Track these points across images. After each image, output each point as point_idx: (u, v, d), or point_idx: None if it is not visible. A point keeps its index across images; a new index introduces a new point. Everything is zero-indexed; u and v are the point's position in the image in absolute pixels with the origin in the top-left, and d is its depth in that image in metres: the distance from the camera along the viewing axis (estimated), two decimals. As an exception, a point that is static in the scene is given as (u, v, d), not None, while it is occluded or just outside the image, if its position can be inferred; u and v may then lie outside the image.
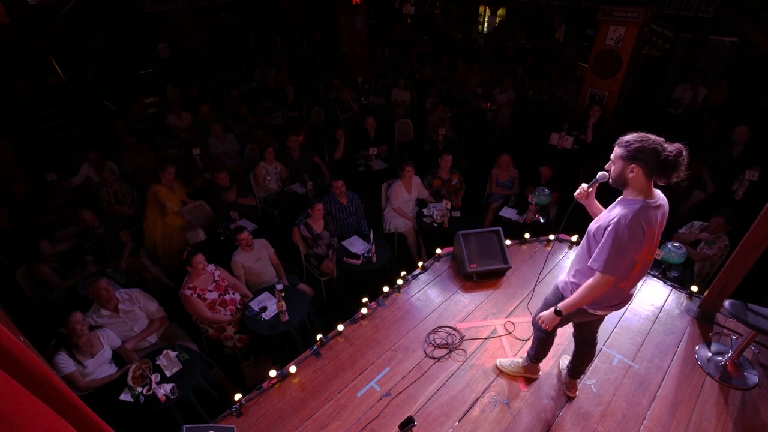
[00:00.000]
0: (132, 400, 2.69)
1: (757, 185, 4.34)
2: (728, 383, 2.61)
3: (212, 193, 4.89)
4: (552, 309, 2.14)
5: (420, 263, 3.73)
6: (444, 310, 3.26)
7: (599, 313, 2.11)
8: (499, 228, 3.61)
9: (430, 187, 4.98)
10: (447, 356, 2.89)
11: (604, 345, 2.91)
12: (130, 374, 2.77)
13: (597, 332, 2.38)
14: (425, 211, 4.65)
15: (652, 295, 3.30)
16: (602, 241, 1.84)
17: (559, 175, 4.91)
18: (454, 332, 3.05)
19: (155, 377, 2.77)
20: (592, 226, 1.99)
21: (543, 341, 2.49)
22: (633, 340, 2.93)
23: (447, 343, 2.97)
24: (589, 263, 1.92)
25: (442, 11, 13.17)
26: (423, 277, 3.61)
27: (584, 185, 2.13)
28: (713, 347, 2.81)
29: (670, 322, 3.06)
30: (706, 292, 3.03)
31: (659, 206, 1.85)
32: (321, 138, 6.64)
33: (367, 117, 6.17)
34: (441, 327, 3.10)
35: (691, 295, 3.24)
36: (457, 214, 4.68)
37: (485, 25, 12.36)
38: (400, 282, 3.48)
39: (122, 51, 9.62)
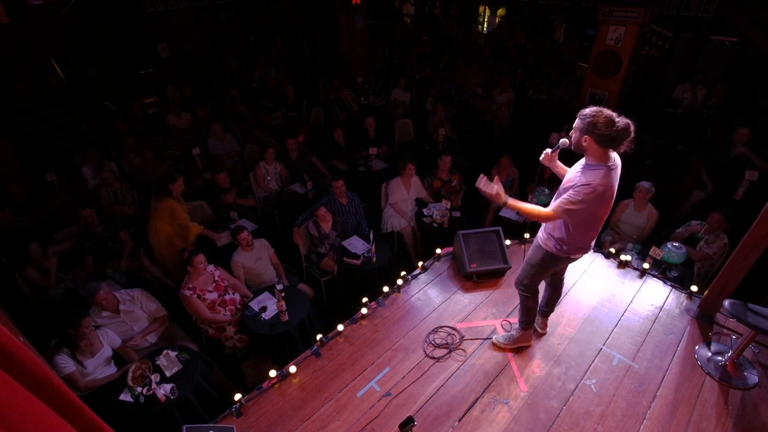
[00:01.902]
0: (132, 400, 2.69)
1: (757, 185, 4.34)
2: (728, 383, 2.61)
3: (212, 193, 4.89)
4: (502, 193, 2.33)
5: (420, 263, 3.73)
6: (444, 310, 3.26)
7: (574, 256, 2.40)
8: (499, 228, 3.61)
9: (430, 187, 4.98)
10: (447, 356, 2.89)
11: (604, 345, 2.91)
12: (130, 374, 2.77)
13: (563, 276, 2.80)
14: (425, 211, 4.65)
15: (652, 295, 3.30)
16: (571, 194, 2.12)
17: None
18: (454, 332, 3.05)
19: (155, 377, 2.77)
20: (563, 185, 2.28)
21: (527, 304, 2.73)
22: (633, 340, 2.93)
23: (447, 343, 2.97)
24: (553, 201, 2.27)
25: (442, 11, 13.17)
26: (423, 277, 3.61)
27: (548, 150, 2.44)
28: (713, 347, 2.81)
29: (670, 322, 3.06)
30: (706, 292, 3.03)
31: (615, 167, 2.14)
32: (321, 138, 6.64)
33: (367, 117, 6.17)
34: (441, 327, 3.10)
35: (691, 294, 3.24)
36: (457, 214, 4.68)
37: (485, 25, 12.35)
38: (400, 282, 3.48)
39: (122, 51, 9.62)
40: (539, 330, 2.97)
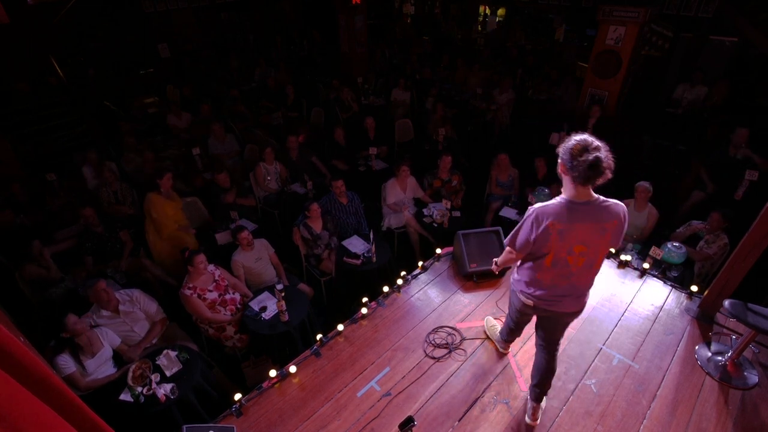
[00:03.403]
0: (132, 400, 2.69)
1: (757, 185, 4.34)
2: (728, 383, 2.61)
3: (212, 193, 4.89)
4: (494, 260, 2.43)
5: (420, 263, 3.73)
6: (444, 310, 3.26)
7: (526, 301, 2.19)
8: (499, 228, 3.61)
9: (430, 187, 4.98)
10: (447, 356, 2.89)
11: (604, 345, 2.91)
12: (130, 374, 2.78)
13: (557, 340, 2.31)
14: (425, 211, 4.65)
15: (652, 295, 3.30)
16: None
17: (556, 171, 4.91)
18: (454, 332, 3.05)
19: (155, 377, 2.77)
20: None
21: (510, 329, 2.64)
22: (633, 340, 2.93)
23: (447, 343, 2.97)
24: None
25: (442, 11, 13.17)
26: (423, 277, 3.61)
27: None
28: (713, 347, 2.81)
29: (670, 322, 3.06)
30: (706, 292, 3.03)
31: (585, 208, 1.85)
32: (321, 138, 6.64)
33: (367, 117, 6.18)
34: (441, 327, 3.10)
35: (691, 294, 3.24)
36: (457, 214, 4.68)
37: (485, 26, 12.35)
38: (400, 282, 3.48)
39: (122, 51, 9.62)
40: (528, 420, 2.47)
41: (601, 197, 1.88)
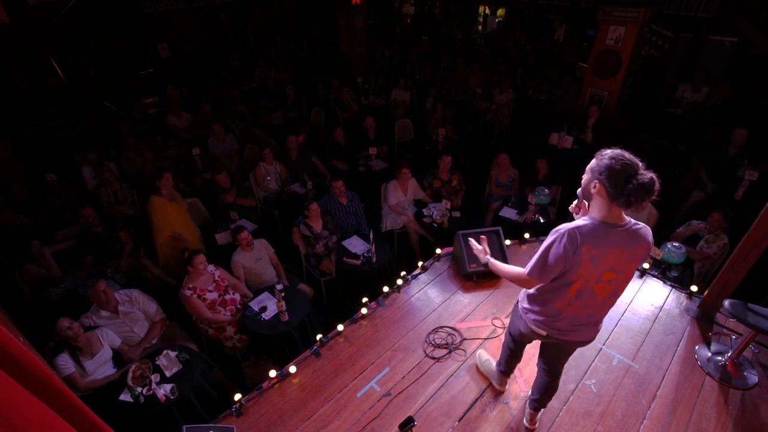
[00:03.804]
0: (132, 401, 2.69)
1: (757, 185, 4.34)
2: (728, 383, 2.61)
3: (212, 193, 4.90)
4: (487, 255, 2.24)
5: (420, 263, 3.74)
6: (444, 310, 3.26)
7: (539, 330, 1.98)
8: (499, 228, 3.60)
9: (430, 187, 4.98)
10: (447, 356, 2.89)
11: (603, 345, 2.91)
12: (130, 374, 2.77)
13: (562, 366, 2.23)
14: (425, 211, 4.65)
15: (652, 295, 3.30)
16: (541, 246, 1.78)
17: (556, 171, 4.92)
18: (454, 332, 3.05)
19: (155, 377, 2.77)
20: None
21: (511, 353, 2.38)
22: (633, 339, 2.93)
23: (447, 343, 2.97)
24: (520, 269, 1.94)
25: (442, 11, 13.17)
26: (423, 277, 3.61)
27: (574, 203, 2.01)
28: (713, 347, 2.81)
29: (670, 322, 3.06)
30: (705, 292, 3.03)
31: (620, 231, 1.67)
32: (321, 138, 6.64)
33: (367, 117, 6.17)
34: (441, 327, 3.10)
35: (690, 294, 3.24)
36: (457, 214, 4.68)
37: (485, 25, 12.35)
38: (400, 282, 3.48)
39: (122, 51, 9.62)
40: (526, 425, 2.44)
41: (632, 219, 1.72)
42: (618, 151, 1.62)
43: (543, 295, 1.91)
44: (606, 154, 1.63)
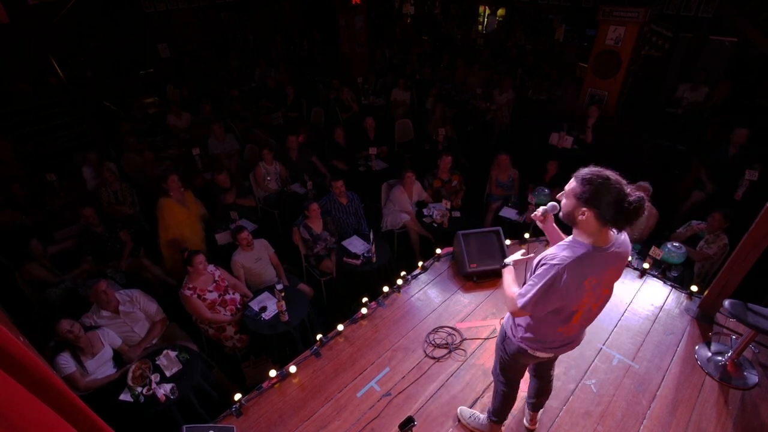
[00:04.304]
0: (132, 400, 2.69)
1: (757, 185, 4.34)
2: (728, 383, 2.61)
3: (212, 193, 4.89)
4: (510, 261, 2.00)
5: (420, 263, 3.73)
6: (444, 310, 3.26)
7: (540, 354, 1.92)
8: (499, 228, 3.61)
9: (430, 187, 4.98)
10: (447, 356, 2.89)
11: (603, 345, 2.91)
12: (130, 374, 2.77)
13: (552, 370, 2.26)
14: (425, 211, 4.65)
15: (652, 295, 3.30)
16: (535, 277, 1.68)
17: (560, 173, 4.92)
18: (454, 332, 3.05)
19: (155, 377, 2.77)
20: (538, 256, 1.79)
21: (505, 395, 2.22)
22: (633, 340, 2.93)
23: (447, 343, 2.97)
24: (517, 292, 1.79)
25: (442, 11, 13.17)
26: (423, 277, 3.61)
27: (539, 210, 1.92)
28: (713, 347, 2.81)
29: (670, 322, 3.06)
30: (705, 292, 3.03)
31: (612, 252, 1.62)
32: (321, 138, 6.64)
33: (367, 117, 6.17)
34: (441, 327, 3.10)
35: (691, 294, 3.24)
36: (457, 214, 4.68)
37: (485, 25, 12.35)
38: (400, 282, 3.48)
39: (122, 51, 9.62)
40: (527, 425, 2.44)
41: (614, 232, 1.64)
42: (602, 173, 1.53)
43: (544, 325, 1.83)
44: (588, 178, 1.53)
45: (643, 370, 2.73)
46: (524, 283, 1.78)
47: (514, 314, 1.84)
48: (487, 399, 2.61)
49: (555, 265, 1.61)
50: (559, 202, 1.74)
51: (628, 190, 1.50)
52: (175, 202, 4.22)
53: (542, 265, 1.66)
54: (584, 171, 1.57)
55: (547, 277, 1.62)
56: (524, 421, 2.48)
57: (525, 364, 2.10)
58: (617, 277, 1.74)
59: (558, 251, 1.65)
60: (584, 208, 1.56)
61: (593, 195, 1.52)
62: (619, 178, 1.52)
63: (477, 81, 8.06)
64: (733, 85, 6.37)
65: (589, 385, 2.66)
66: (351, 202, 4.56)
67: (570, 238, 1.71)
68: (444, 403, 2.60)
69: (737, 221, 3.55)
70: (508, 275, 1.94)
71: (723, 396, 2.56)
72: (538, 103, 7.64)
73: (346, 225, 4.51)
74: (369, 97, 7.98)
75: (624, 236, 1.69)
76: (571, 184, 1.62)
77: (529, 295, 1.68)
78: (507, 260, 2.02)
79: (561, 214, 1.70)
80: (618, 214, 1.49)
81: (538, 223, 1.99)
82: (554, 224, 1.99)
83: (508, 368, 2.12)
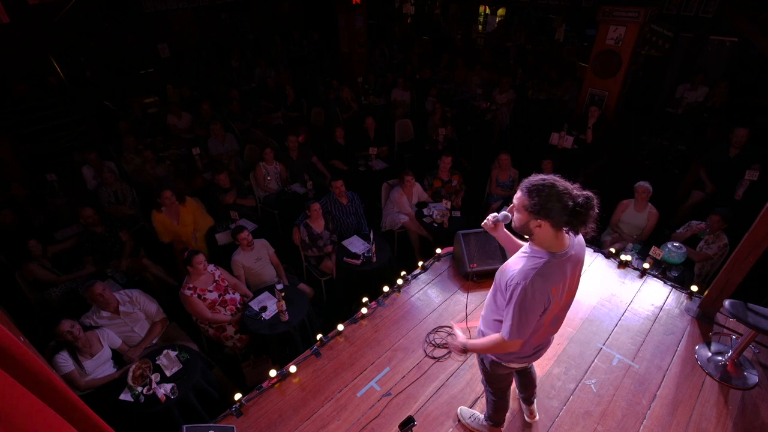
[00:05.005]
0: (132, 400, 2.69)
1: (757, 185, 4.34)
2: (728, 383, 2.61)
3: (212, 193, 4.89)
4: (461, 340, 1.99)
5: (420, 263, 3.73)
6: (444, 310, 3.26)
7: (513, 365, 1.97)
8: (499, 228, 3.60)
9: (430, 188, 4.98)
10: (447, 356, 2.89)
11: (604, 345, 2.91)
12: (130, 374, 2.77)
13: (532, 368, 2.35)
14: (425, 211, 4.65)
15: (652, 295, 3.30)
16: (507, 307, 1.70)
17: (559, 173, 4.91)
18: (454, 332, 3.04)
19: (155, 377, 2.78)
20: (499, 272, 1.83)
21: (496, 404, 2.26)
22: (633, 339, 2.93)
23: (447, 343, 2.97)
24: (494, 334, 1.82)
25: (442, 11, 13.17)
26: (423, 277, 3.61)
27: (490, 217, 1.96)
28: (713, 347, 2.81)
29: (670, 322, 3.06)
30: (706, 292, 3.03)
31: (570, 257, 1.65)
32: (321, 138, 6.64)
33: (367, 117, 6.18)
34: (441, 327, 3.10)
35: (691, 294, 3.24)
36: (457, 214, 4.68)
37: (485, 25, 12.35)
38: (400, 282, 3.48)
39: (122, 51, 9.62)
40: (527, 419, 2.48)
41: (570, 234, 1.63)
42: (546, 181, 1.54)
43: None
44: (534, 188, 1.55)
45: (643, 370, 2.73)
46: (495, 294, 1.85)
47: (510, 348, 1.79)
48: (487, 399, 2.61)
49: (517, 282, 1.63)
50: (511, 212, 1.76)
51: (575, 192, 1.52)
52: (166, 217, 4.27)
53: (513, 292, 1.65)
54: (529, 181, 1.59)
55: (517, 298, 1.63)
56: (525, 416, 2.50)
57: (505, 375, 2.10)
58: (578, 280, 1.79)
59: (518, 268, 1.66)
60: (538, 220, 1.57)
61: (543, 205, 1.53)
62: (565, 182, 1.55)
63: (477, 81, 8.07)
64: (732, 85, 6.37)
65: (589, 385, 2.66)
66: (351, 202, 4.56)
67: (527, 247, 1.74)
68: (444, 402, 2.60)
69: (737, 221, 3.55)
70: (475, 346, 1.93)
71: (723, 396, 2.56)
72: (538, 103, 7.64)
73: (346, 225, 4.50)
74: (369, 97, 7.98)
75: (579, 237, 1.72)
76: (519, 196, 1.62)
77: (510, 322, 1.69)
78: (461, 346, 1.97)
79: (514, 226, 1.70)
80: (571, 218, 1.51)
81: (490, 231, 2.01)
82: (506, 230, 2.02)
83: (491, 380, 2.16)
